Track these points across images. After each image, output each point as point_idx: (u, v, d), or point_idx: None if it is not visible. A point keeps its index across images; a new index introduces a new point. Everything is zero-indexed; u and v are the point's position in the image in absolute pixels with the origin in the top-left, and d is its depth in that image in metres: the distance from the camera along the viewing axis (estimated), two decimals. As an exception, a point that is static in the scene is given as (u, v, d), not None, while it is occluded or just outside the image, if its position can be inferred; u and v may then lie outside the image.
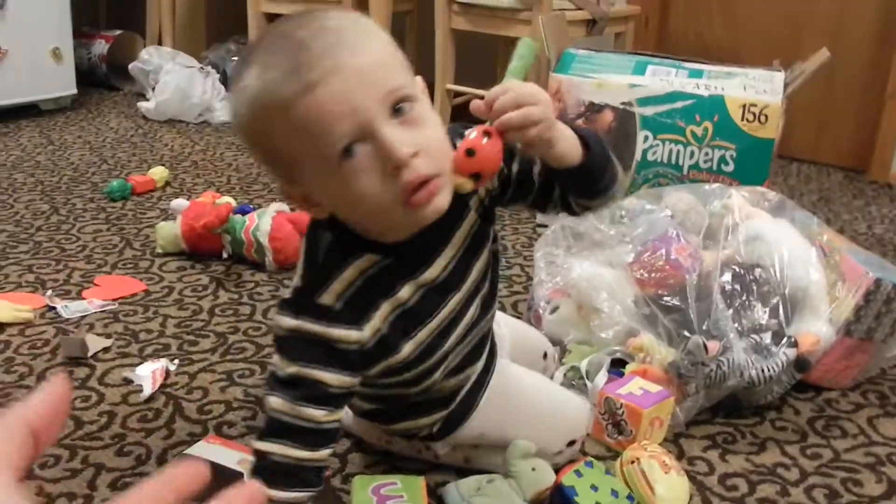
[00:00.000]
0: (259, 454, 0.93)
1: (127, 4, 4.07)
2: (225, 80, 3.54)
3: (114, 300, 1.78)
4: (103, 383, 1.46)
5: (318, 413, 0.93)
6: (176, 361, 1.53)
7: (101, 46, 3.87)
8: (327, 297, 0.93)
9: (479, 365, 1.16)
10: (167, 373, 1.48)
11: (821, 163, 3.15)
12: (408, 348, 1.00)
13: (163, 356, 1.55)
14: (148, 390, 1.42)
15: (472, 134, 0.88)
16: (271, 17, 3.21)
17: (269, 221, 1.92)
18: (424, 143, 0.85)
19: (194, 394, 1.44)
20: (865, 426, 1.43)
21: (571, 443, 1.23)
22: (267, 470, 0.92)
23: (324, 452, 0.95)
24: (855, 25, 3.02)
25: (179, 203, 2.07)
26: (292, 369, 0.92)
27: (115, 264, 1.98)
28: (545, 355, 1.41)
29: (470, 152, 0.87)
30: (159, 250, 2.03)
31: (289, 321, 0.93)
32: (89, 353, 1.54)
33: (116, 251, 2.05)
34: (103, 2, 4.22)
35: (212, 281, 1.90)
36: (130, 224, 2.24)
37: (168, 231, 2.02)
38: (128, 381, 1.46)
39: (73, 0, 3.39)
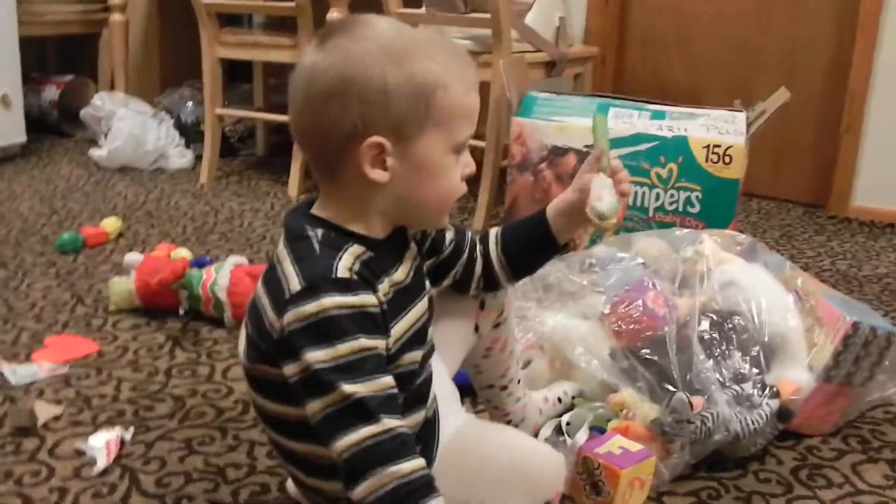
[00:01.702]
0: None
1: (78, 49, 3.99)
2: (179, 126, 3.48)
3: (65, 362, 1.70)
4: (54, 456, 1.38)
5: (390, 379, 0.94)
6: (131, 429, 1.45)
7: (51, 92, 3.79)
8: (342, 272, 0.94)
9: (429, 405, 1.10)
10: (122, 442, 1.41)
11: (780, 199, 3.16)
12: (394, 333, 0.99)
13: (117, 423, 1.47)
14: (102, 463, 1.34)
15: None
16: (226, 63, 3.16)
17: (227, 275, 1.86)
18: None
19: (151, 465, 1.36)
20: (850, 474, 1.40)
21: None
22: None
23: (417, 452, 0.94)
24: (808, 62, 3.05)
25: (133, 257, 1.99)
26: (350, 350, 0.92)
27: (66, 323, 1.90)
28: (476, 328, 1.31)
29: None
30: (112, 307, 1.95)
31: (313, 305, 0.92)
32: (39, 423, 1.46)
33: (67, 309, 1.97)
34: (53, 46, 4.14)
35: (168, 339, 1.82)
36: (82, 279, 2.15)
37: (121, 287, 1.94)
38: (80, 453, 1.38)
39: (22, 45, 3.31)
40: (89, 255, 2.33)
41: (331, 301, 0.92)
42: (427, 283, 1.11)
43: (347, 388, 0.90)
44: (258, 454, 1.39)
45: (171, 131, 3.43)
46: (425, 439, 1.09)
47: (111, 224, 2.49)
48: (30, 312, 1.94)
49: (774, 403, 1.34)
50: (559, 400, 1.46)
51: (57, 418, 1.49)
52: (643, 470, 1.24)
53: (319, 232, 0.98)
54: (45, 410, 1.50)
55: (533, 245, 1.20)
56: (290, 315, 0.93)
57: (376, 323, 0.95)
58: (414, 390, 1.05)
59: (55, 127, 3.80)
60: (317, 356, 0.91)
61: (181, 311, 1.89)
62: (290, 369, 0.94)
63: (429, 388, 1.10)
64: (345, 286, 0.93)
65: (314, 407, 0.92)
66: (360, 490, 0.91)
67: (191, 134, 3.49)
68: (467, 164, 1.02)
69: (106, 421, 1.49)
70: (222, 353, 1.76)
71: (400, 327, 1.00)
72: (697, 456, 1.32)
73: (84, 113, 3.51)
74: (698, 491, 1.32)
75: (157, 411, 1.53)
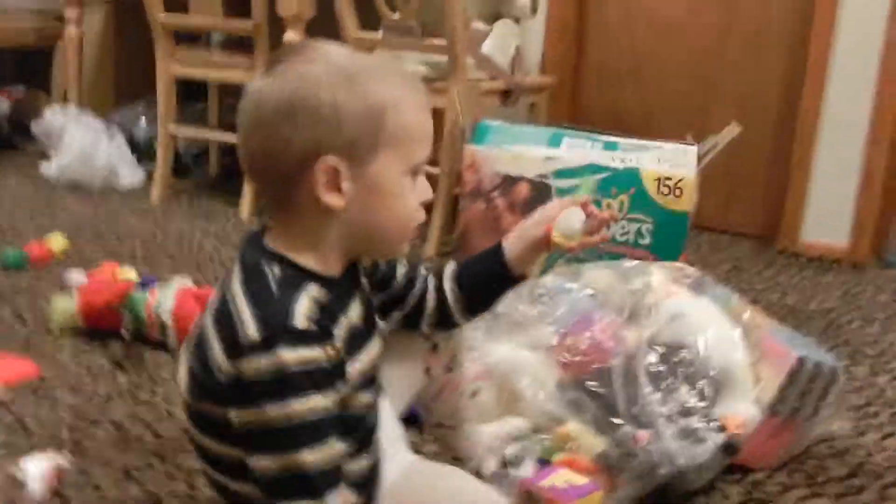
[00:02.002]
0: None
1: (33, 61, 3.93)
2: (132, 143, 3.44)
3: (2, 385, 1.65)
4: (-14, 481, 1.34)
5: (340, 444, 0.94)
6: (69, 455, 1.41)
7: (3, 104, 3.73)
8: (300, 321, 0.91)
9: (375, 450, 1.09)
10: (59, 469, 1.36)
11: (731, 232, 3.19)
12: (352, 372, 0.97)
13: (55, 449, 1.43)
14: (38, 491, 1.30)
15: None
16: (181, 81, 3.13)
17: (171, 298, 1.83)
18: None
19: (87, 492, 1.33)
20: (794, 509, 1.40)
21: None
22: None
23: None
24: (761, 97, 3.10)
25: (75, 276, 1.95)
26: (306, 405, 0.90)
27: (6, 343, 1.85)
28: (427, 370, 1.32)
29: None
30: (54, 327, 1.91)
31: (271, 359, 0.89)
32: (-28, 447, 1.42)
33: (7, 328, 1.92)
34: (9, 58, 4.07)
35: (110, 362, 1.78)
36: (24, 298, 2.10)
37: (64, 307, 1.90)
38: (15, 480, 1.34)
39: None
40: (34, 273, 2.28)
41: (288, 356, 0.89)
42: (380, 325, 1.09)
43: (296, 456, 0.89)
44: (198, 483, 1.36)
45: (122, 148, 3.37)
46: (369, 483, 1.07)
47: (57, 241, 2.43)
48: (-32, 331, 1.90)
49: (720, 438, 1.34)
50: (511, 437, 1.43)
51: (-9, 443, 1.45)
52: (589, 504, 1.23)
53: (276, 269, 0.96)
54: (-22, 434, 1.45)
55: (489, 278, 1.19)
56: (246, 365, 0.90)
57: (331, 378, 0.93)
58: (363, 434, 1.04)
59: (7, 140, 3.74)
60: (271, 413, 0.89)
61: (124, 333, 1.86)
62: (239, 416, 0.92)
63: (375, 433, 1.08)
64: (302, 338, 0.91)
65: (262, 464, 0.91)
66: None
67: (143, 151, 3.44)
68: (424, 189, 1.01)
69: (43, 446, 1.45)
70: (165, 376, 1.73)
71: (353, 370, 0.98)
72: (643, 490, 1.31)
73: (36, 126, 3.45)
74: (643, 526, 1.32)
75: (97, 437, 1.49)
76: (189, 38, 3.39)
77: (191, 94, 3.58)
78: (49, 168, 3.25)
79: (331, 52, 0.97)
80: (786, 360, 1.45)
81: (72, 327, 1.90)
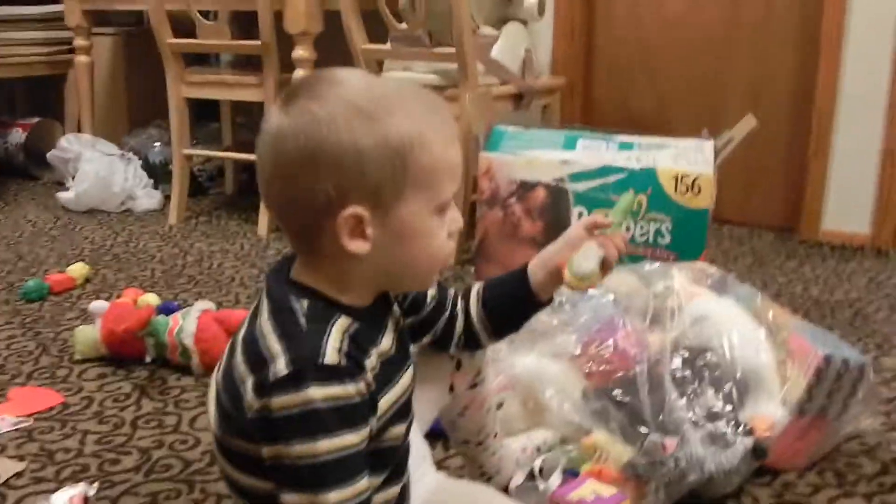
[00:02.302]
0: None
1: (45, 91, 3.96)
2: (147, 167, 3.46)
3: (28, 416, 1.66)
4: (16, 516, 1.35)
5: (367, 481, 0.91)
6: (95, 485, 1.42)
7: (17, 135, 3.76)
8: (330, 357, 0.89)
9: (406, 476, 1.07)
10: (86, 499, 1.37)
11: (751, 224, 3.16)
12: (381, 406, 0.95)
13: (81, 478, 1.44)
14: (65, 523, 1.31)
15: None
16: (192, 102, 3.14)
17: (193, 322, 1.83)
18: None
19: (116, 522, 1.33)
20: (827, 509, 1.38)
21: None
22: None
23: None
24: (773, 88, 3.07)
25: (99, 305, 1.96)
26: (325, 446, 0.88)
27: (31, 374, 1.86)
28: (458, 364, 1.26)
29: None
30: (78, 356, 1.92)
31: (300, 396, 0.87)
32: (1, 481, 1.42)
33: (32, 359, 1.93)
34: (21, 89, 4.10)
35: (135, 389, 1.79)
36: (48, 328, 2.11)
37: (87, 336, 1.91)
38: (44, 513, 1.35)
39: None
40: (55, 303, 2.29)
41: (317, 392, 0.87)
42: (411, 349, 1.07)
43: (324, 495, 0.87)
44: (226, 509, 1.36)
45: (138, 172, 3.39)
46: None
47: (78, 270, 2.45)
48: (-7, 364, 1.91)
49: (749, 441, 1.32)
50: (538, 450, 1.42)
51: (19, 475, 1.46)
52: (618, 514, 1.22)
53: (305, 303, 0.93)
54: (6, 467, 1.46)
55: (515, 303, 1.16)
56: (276, 402, 0.88)
57: (362, 414, 0.91)
58: (395, 464, 1.02)
59: (22, 170, 3.77)
60: (299, 450, 0.87)
61: (147, 359, 1.86)
62: (268, 451, 0.90)
63: (407, 458, 1.07)
64: (333, 374, 0.88)
65: (289, 499, 0.89)
66: None
67: (159, 174, 3.45)
68: (454, 220, 0.96)
69: (70, 476, 1.46)
70: (189, 401, 1.73)
71: (387, 400, 0.96)
72: (672, 497, 1.30)
73: (51, 155, 3.47)
74: (675, 533, 1.30)
75: (123, 465, 1.50)
76: (199, 60, 3.40)
77: (203, 114, 3.60)
78: (66, 196, 3.27)
79: (348, 84, 0.91)
80: (812, 358, 1.43)
81: (96, 356, 1.91)
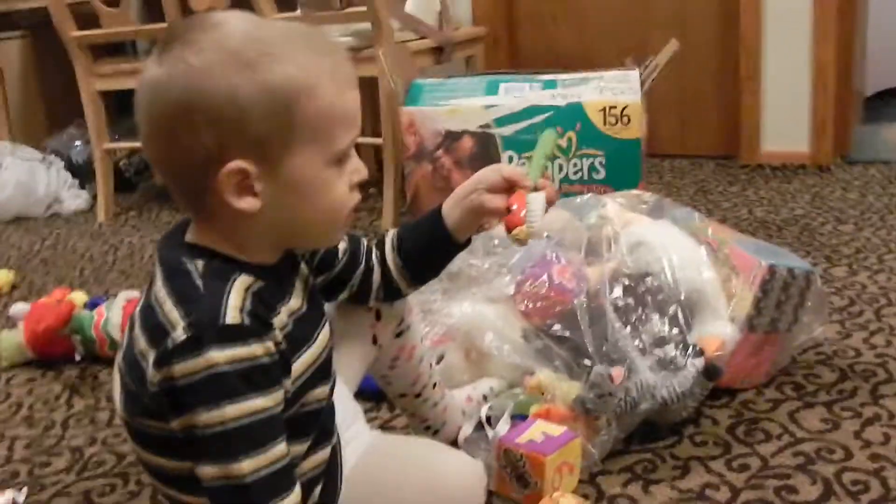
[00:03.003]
0: None
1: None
2: (71, 167, 3.34)
3: (-46, 432, 1.57)
4: (-61, 535, 1.26)
5: (283, 446, 0.85)
6: (24, 489, 1.34)
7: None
8: (232, 317, 0.82)
9: (334, 437, 1.02)
10: (14, 506, 1.29)
11: (691, 156, 3.12)
12: (296, 369, 0.89)
13: (11, 485, 1.36)
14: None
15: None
16: (111, 96, 3.02)
17: (119, 313, 1.75)
18: None
19: (46, 526, 1.26)
20: (787, 423, 1.34)
21: None
22: None
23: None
24: (698, 12, 3.03)
25: (19, 308, 1.88)
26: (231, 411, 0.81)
27: (-44, 387, 1.77)
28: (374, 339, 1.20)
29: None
30: (5, 363, 1.83)
31: (201, 360, 0.80)
32: (-76, 501, 1.34)
33: (-44, 373, 1.84)
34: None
35: (65, 389, 1.70)
36: (-28, 339, 2.01)
37: (11, 341, 1.82)
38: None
39: None
40: (-21, 313, 2.19)
41: (220, 355, 0.80)
42: (324, 306, 1.00)
43: (235, 465, 0.81)
44: (162, 499, 1.28)
45: (62, 174, 3.28)
46: (330, 471, 1.00)
47: (2, 277, 2.35)
48: (-85, 382, 1.81)
49: (700, 362, 1.27)
50: (484, 398, 1.36)
51: (-56, 492, 1.37)
52: (569, 453, 1.16)
53: (200, 264, 0.86)
54: (-70, 487, 1.38)
55: (432, 247, 1.09)
56: (177, 369, 0.81)
57: (271, 376, 0.84)
58: (320, 427, 0.96)
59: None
60: (206, 418, 0.81)
61: (77, 357, 1.78)
62: (177, 424, 0.84)
63: (333, 419, 1.01)
64: (235, 334, 0.82)
65: (207, 471, 0.83)
66: None
67: (84, 174, 3.34)
68: (355, 171, 0.90)
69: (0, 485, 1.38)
70: (123, 395, 1.65)
71: (303, 361, 0.90)
72: (626, 429, 1.25)
73: (-32, 166, 3.33)
74: (633, 466, 1.25)
75: (54, 466, 1.43)
76: (117, 50, 3.27)
77: (128, 106, 3.46)
78: (-11, 206, 3.15)
79: (228, 28, 0.83)
80: (757, 271, 1.39)
81: (23, 360, 1.82)
